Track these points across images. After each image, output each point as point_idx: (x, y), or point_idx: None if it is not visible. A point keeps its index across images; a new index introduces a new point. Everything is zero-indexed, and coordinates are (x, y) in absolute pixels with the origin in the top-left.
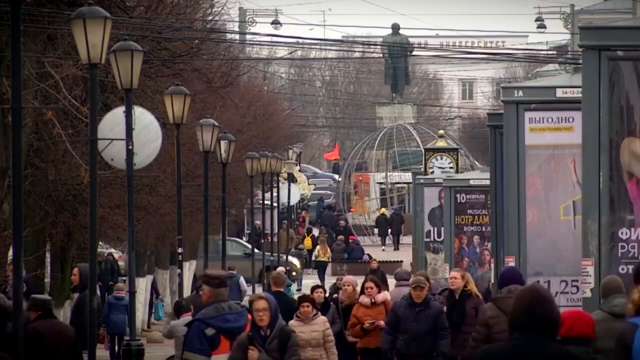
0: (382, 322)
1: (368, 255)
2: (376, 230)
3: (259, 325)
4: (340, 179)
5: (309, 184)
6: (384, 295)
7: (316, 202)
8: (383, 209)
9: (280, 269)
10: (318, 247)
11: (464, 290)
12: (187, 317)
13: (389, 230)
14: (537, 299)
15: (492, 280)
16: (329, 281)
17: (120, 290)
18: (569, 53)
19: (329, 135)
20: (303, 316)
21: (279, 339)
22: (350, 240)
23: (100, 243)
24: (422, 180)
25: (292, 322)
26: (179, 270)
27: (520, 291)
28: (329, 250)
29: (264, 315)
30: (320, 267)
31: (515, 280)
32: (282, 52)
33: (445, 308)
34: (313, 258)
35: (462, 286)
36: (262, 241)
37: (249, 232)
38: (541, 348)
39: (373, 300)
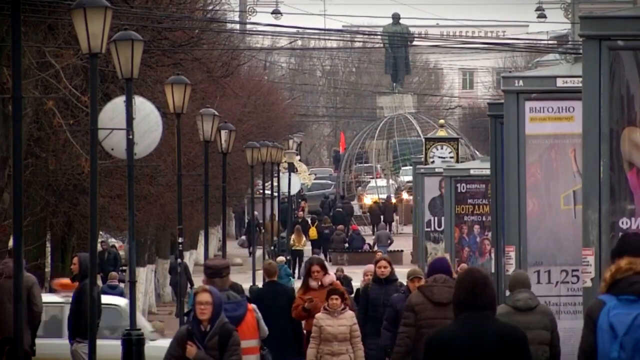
0: None
1: (369, 245)
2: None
3: (200, 319)
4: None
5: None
6: (331, 277)
7: (317, 191)
8: (375, 198)
9: (281, 259)
10: (293, 235)
11: None
12: None
13: (382, 219)
14: (478, 279)
15: (493, 270)
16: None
17: (114, 279)
18: (570, 43)
19: (330, 125)
20: (331, 309)
21: (220, 336)
22: (351, 230)
23: (101, 233)
24: (422, 170)
25: (319, 315)
26: (179, 260)
27: (461, 274)
28: (304, 238)
29: (205, 309)
30: (297, 256)
31: (442, 270)
32: (282, 41)
33: None
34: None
35: None
36: (262, 230)
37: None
38: (487, 324)
39: (320, 283)
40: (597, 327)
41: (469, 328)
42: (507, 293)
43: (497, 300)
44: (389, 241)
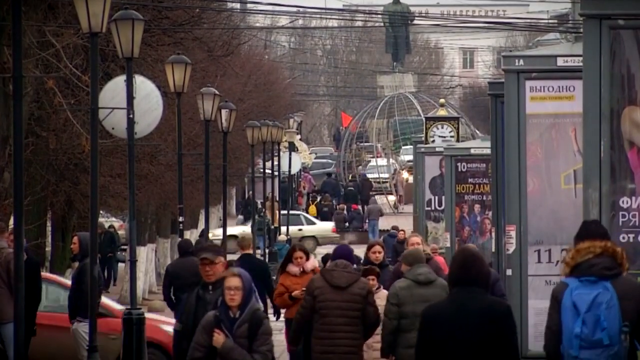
0: None
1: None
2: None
3: (229, 305)
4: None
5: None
6: (313, 263)
7: (317, 170)
8: (349, 177)
9: (282, 237)
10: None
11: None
12: None
13: (358, 197)
14: (469, 256)
15: (493, 249)
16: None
17: None
18: (570, 22)
19: (330, 104)
20: None
21: (250, 323)
22: (352, 209)
23: (101, 212)
24: (422, 149)
25: None
26: (179, 239)
27: (457, 252)
28: (277, 214)
29: (235, 294)
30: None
31: (344, 256)
32: (283, 20)
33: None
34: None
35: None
36: (264, 210)
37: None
38: (474, 298)
39: (302, 269)
40: (561, 307)
41: (457, 302)
42: (406, 269)
43: (490, 279)
44: (380, 214)
